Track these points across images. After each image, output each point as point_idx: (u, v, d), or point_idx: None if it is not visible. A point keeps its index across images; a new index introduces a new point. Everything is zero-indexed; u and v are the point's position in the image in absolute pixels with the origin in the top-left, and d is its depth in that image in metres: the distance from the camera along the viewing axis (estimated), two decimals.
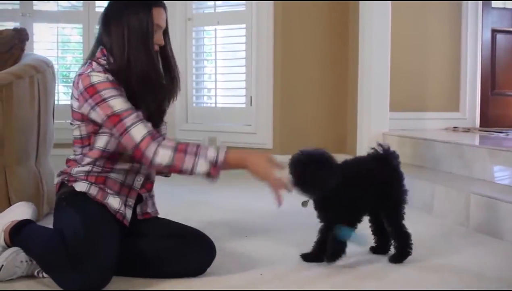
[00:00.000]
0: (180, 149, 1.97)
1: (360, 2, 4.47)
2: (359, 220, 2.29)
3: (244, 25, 4.83)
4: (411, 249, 2.33)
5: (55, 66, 3.91)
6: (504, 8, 5.50)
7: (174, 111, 5.01)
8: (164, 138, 2.04)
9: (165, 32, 2.19)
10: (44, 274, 2.03)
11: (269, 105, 4.69)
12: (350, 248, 2.28)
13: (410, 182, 3.53)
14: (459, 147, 3.62)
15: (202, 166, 1.97)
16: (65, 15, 5.15)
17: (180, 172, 1.99)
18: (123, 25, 2.06)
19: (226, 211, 3.32)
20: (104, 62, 2.09)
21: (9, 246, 2.12)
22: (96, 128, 2.09)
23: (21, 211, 2.28)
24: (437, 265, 2.33)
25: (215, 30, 4.99)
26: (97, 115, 2.02)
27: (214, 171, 1.98)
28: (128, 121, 1.98)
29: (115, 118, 1.99)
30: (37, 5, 5.04)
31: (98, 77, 2.02)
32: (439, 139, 3.91)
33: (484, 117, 5.29)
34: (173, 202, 3.40)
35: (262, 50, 4.68)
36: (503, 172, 3.24)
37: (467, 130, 4.81)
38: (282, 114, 4.68)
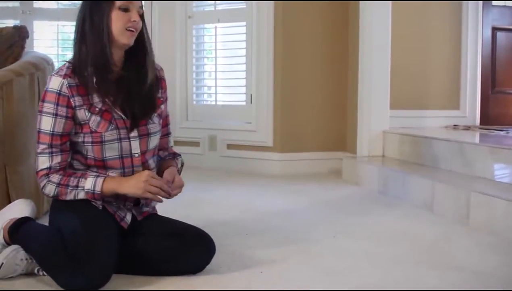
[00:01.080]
0: (63, 183, 2.06)
1: (361, 2, 4.47)
2: None
3: (244, 23, 4.83)
4: None
5: (55, 64, 3.90)
6: (505, 6, 5.50)
7: (175, 109, 5.01)
8: (59, 171, 2.07)
9: (142, 19, 2.13)
10: (44, 272, 2.03)
11: (269, 103, 4.68)
12: (350, 248, 2.28)
13: (411, 180, 3.55)
14: (459, 145, 3.62)
15: (82, 196, 2.06)
16: (65, 12, 5.15)
17: (65, 199, 2.09)
18: (85, 17, 2.07)
19: (226, 209, 3.32)
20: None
21: (8, 244, 2.12)
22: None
23: (20, 208, 2.27)
24: (437, 263, 2.33)
25: (215, 28, 4.99)
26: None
27: (95, 199, 2.08)
28: (40, 147, 2.07)
29: (37, 137, 2.08)
30: (37, 3, 5.04)
31: (54, 83, 2.06)
32: (439, 138, 3.91)
33: (484, 115, 5.29)
34: (173, 200, 3.39)
35: (263, 48, 4.68)
36: (504, 170, 3.24)
37: (467, 128, 4.81)
38: (282, 112, 4.68)
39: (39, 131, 2.07)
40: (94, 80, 2.06)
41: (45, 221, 2.28)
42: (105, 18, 2.04)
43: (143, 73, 2.14)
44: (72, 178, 2.06)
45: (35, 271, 2.06)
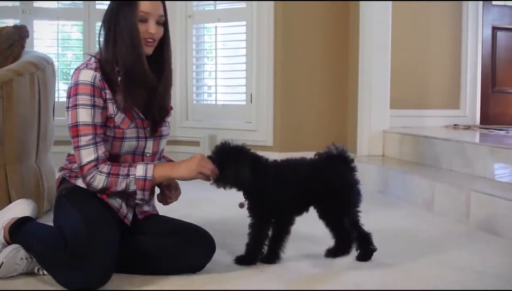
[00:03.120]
0: (113, 172, 2.04)
1: (361, 1, 4.47)
2: (291, 219, 2.28)
3: (244, 23, 4.83)
4: (373, 245, 2.31)
5: (55, 64, 3.91)
6: (505, 6, 5.50)
7: (175, 108, 4.99)
8: (105, 162, 2.06)
9: (165, 26, 2.15)
10: (44, 272, 2.03)
11: (269, 103, 4.68)
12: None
13: (411, 180, 3.55)
14: (459, 144, 3.62)
15: (133, 186, 2.04)
16: (65, 12, 5.14)
17: (117, 192, 2.07)
18: (111, 19, 2.07)
19: (227, 209, 3.31)
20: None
21: (9, 244, 2.12)
22: None
23: (20, 208, 2.28)
24: (437, 262, 2.33)
25: (216, 27, 4.98)
26: (67, 117, 2.06)
27: (145, 187, 2.06)
28: (83, 140, 2.03)
29: (74, 131, 2.04)
30: (37, 2, 5.03)
31: (85, 76, 2.05)
32: (439, 137, 3.91)
33: (484, 115, 5.29)
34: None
35: (263, 48, 4.68)
36: (504, 170, 3.24)
37: (467, 128, 4.81)
38: (283, 111, 4.67)
39: (77, 125, 2.03)
40: (119, 79, 2.08)
41: (45, 221, 2.28)
42: (135, 27, 2.05)
43: (165, 79, 2.17)
44: (121, 167, 2.05)
45: (35, 270, 2.06)
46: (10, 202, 2.44)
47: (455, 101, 5.17)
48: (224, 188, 2.20)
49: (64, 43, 5.30)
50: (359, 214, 2.30)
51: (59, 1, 5.17)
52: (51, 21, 5.07)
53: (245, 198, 2.27)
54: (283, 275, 2.15)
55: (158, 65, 2.16)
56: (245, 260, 2.24)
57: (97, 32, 2.26)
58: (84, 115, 2.03)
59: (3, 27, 3.37)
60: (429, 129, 4.57)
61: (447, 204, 3.14)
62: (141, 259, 2.09)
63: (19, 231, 2.12)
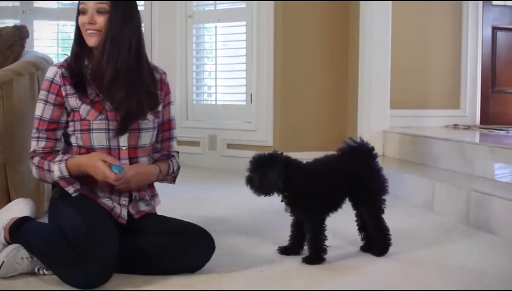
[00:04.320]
0: (40, 165, 2.12)
1: (361, 1, 4.47)
2: (328, 213, 2.34)
3: (244, 23, 4.83)
4: (391, 240, 2.38)
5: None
6: (505, 5, 5.50)
7: (175, 108, 5.00)
8: (45, 154, 2.13)
9: (112, 15, 2.10)
10: (45, 271, 2.03)
11: (269, 103, 4.68)
12: (350, 247, 2.28)
13: (411, 180, 3.55)
14: (459, 144, 3.62)
15: (56, 179, 2.09)
16: (65, 12, 5.15)
17: (51, 183, 2.16)
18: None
19: (226, 209, 3.32)
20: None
21: (9, 244, 2.12)
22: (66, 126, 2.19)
23: (19, 208, 2.28)
24: (437, 262, 2.33)
25: (216, 27, 4.99)
26: None
27: (69, 183, 2.10)
28: (34, 132, 2.16)
29: (34, 122, 2.16)
30: (37, 3, 5.04)
31: (49, 72, 2.15)
32: (439, 137, 3.91)
33: (484, 115, 5.29)
34: (174, 199, 3.39)
35: (263, 48, 4.68)
36: (504, 170, 3.24)
37: (467, 128, 4.81)
38: (283, 111, 4.67)
39: (35, 118, 2.16)
40: (88, 72, 2.14)
41: (45, 220, 2.28)
42: (76, 21, 2.15)
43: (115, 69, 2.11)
44: (45, 161, 2.12)
45: (36, 270, 2.06)
46: (10, 202, 2.44)
47: (455, 101, 5.17)
48: (264, 195, 2.26)
49: (64, 43, 5.30)
50: (384, 202, 2.39)
51: (59, 1, 5.17)
52: (51, 21, 5.08)
53: (284, 201, 2.33)
54: (284, 273, 2.15)
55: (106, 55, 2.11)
56: (314, 259, 2.27)
57: None
58: (38, 109, 2.15)
59: (3, 27, 3.37)
60: (429, 129, 4.57)
61: (447, 204, 3.14)
62: (141, 259, 2.09)
63: (19, 230, 2.12)
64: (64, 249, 1.94)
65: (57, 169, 2.08)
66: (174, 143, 2.37)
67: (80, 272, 1.88)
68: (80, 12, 2.12)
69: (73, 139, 2.16)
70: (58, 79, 2.13)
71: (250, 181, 2.23)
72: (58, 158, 2.10)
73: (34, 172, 2.14)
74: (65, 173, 2.08)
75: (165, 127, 2.32)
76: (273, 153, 2.27)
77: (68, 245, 1.94)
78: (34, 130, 2.15)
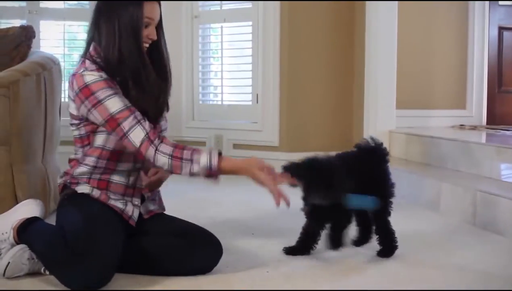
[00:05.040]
0: (176, 155, 2.00)
1: (367, 1, 4.46)
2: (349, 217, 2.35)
3: (250, 23, 4.83)
4: (397, 243, 2.39)
5: (62, 64, 3.92)
6: (511, 6, 5.48)
7: (181, 108, 5.02)
8: (161, 139, 2.03)
9: (159, 27, 2.16)
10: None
11: (275, 103, 4.68)
12: (354, 247, 2.27)
13: (417, 180, 3.54)
14: (466, 144, 3.61)
15: (196, 171, 2.02)
16: (71, 12, 5.16)
17: (181, 175, 2.04)
18: (113, 19, 2.05)
19: (232, 209, 3.32)
20: (98, 59, 2.08)
21: (17, 244, 2.12)
22: (95, 127, 2.09)
23: (29, 208, 2.28)
24: (443, 263, 2.33)
25: (222, 27, 4.99)
26: (95, 118, 2.04)
27: (210, 176, 2.04)
28: (126, 125, 2.00)
29: (113, 123, 2.00)
30: (43, 3, 5.04)
31: (91, 76, 2.02)
32: (445, 137, 3.90)
33: (490, 115, 5.27)
34: (178, 199, 3.40)
35: (269, 48, 4.68)
36: (510, 170, 3.23)
37: (473, 128, 4.79)
38: (288, 112, 4.67)
39: (112, 116, 1.99)
40: (131, 84, 2.07)
41: (51, 221, 2.28)
42: (140, 32, 2.07)
43: (165, 74, 2.21)
44: (185, 151, 2.01)
45: (41, 270, 2.06)
46: (17, 202, 2.45)
47: (461, 102, 5.16)
48: (318, 203, 2.25)
49: (70, 44, 5.31)
50: (391, 205, 2.41)
51: (66, 2, 5.18)
52: (58, 22, 5.08)
53: (304, 203, 2.33)
54: (290, 274, 2.15)
55: (157, 64, 2.17)
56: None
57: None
58: (114, 105, 2.00)
59: (9, 28, 3.38)
60: (435, 130, 4.56)
61: (453, 204, 3.13)
62: (147, 260, 2.09)
63: (26, 231, 2.13)
64: (64, 251, 1.92)
65: (206, 156, 2.01)
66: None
67: (77, 273, 1.87)
68: (149, 19, 2.08)
69: (100, 140, 2.09)
70: (105, 76, 2.04)
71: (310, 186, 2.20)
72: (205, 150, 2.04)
73: (165, 162, 1.99)
74: (215, 164, 2.02)
75: None
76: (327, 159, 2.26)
77: (67, 246, 1.92)
78: (127, 121, 1.99)
